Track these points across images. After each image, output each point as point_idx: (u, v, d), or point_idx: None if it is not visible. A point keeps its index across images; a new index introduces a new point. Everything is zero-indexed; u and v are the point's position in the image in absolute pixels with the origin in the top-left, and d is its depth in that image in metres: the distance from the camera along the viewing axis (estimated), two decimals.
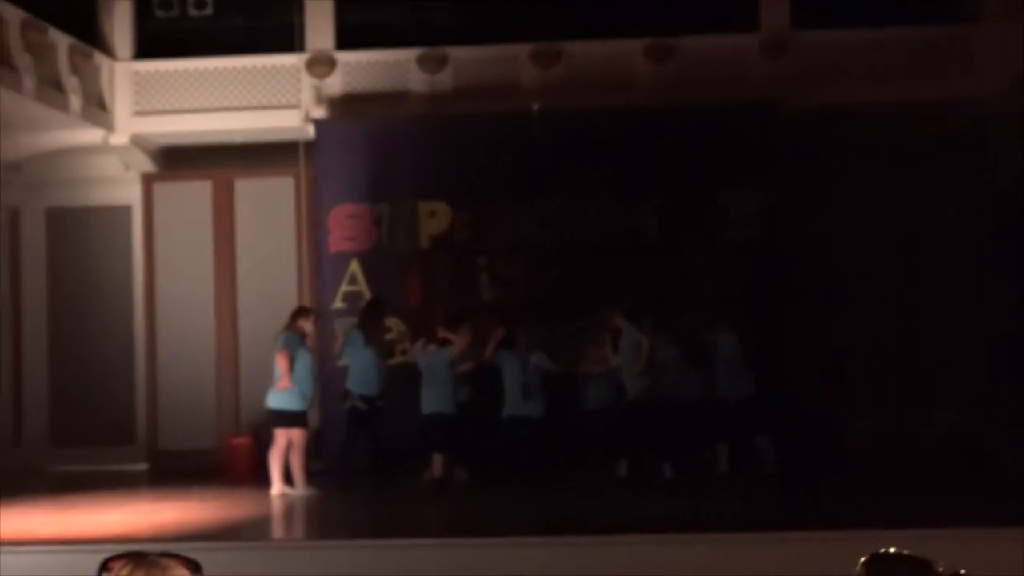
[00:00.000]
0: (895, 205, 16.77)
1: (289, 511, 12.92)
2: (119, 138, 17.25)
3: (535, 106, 16.35)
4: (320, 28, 17.14)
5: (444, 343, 14.57)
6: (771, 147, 16.13)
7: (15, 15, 14.79)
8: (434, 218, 16.42)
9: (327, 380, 15.64)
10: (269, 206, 17.46)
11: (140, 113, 17.30)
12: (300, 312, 14.22)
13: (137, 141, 17.45)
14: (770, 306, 15.87)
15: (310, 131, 16.69)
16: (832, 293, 16.52)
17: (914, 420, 16.28)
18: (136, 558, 2.89)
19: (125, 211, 18.10)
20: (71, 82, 16.05)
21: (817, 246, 16.52)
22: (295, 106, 17.03)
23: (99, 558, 2.93)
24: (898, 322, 16.67)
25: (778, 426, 14.86)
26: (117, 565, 2.88)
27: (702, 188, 16.12)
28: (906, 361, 16.61)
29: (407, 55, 17.05)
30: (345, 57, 17.09)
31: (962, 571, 2.22)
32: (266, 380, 14.25)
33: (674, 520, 11.95)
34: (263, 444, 14.81)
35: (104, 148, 17.35)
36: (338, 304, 16.26)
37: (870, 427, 15.95)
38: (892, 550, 2.27)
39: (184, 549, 3.09)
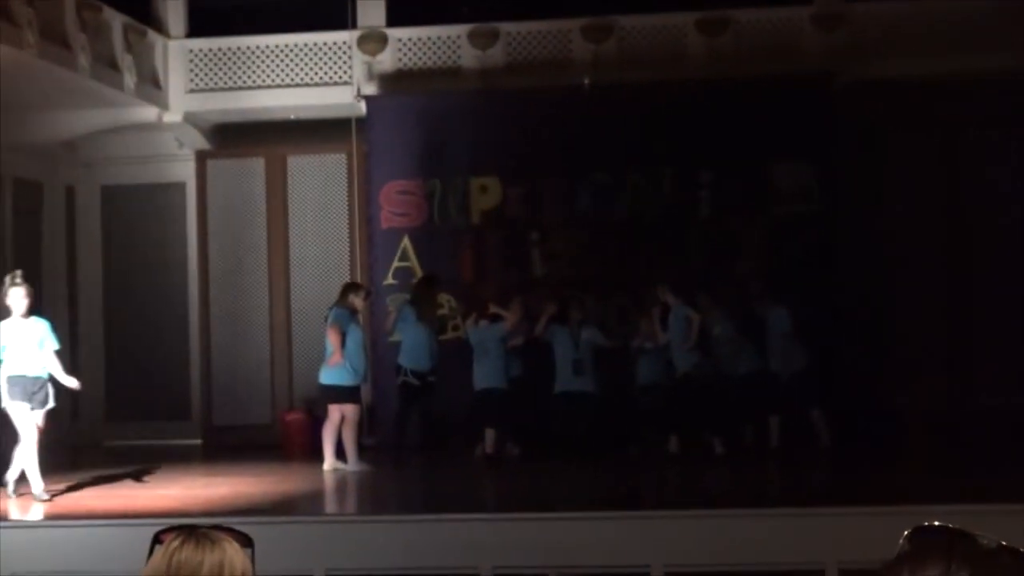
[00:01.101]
0: (949, 178, 16.65)
1: (341, 486, 13.00)
2: (173, 116, 17.37)
3: (586, 81, 16.31)
4: (371, 5, 17.17)
5: (496, 318, 14.60)
6: (824, 120, 16.04)
7: None
8: (485, 193, 16.44)
9: (379, 356, 15.73)
10: (321, 182, 17.55)
11: (193, 91, 17.41)
12: (350, 288, 14.26)
13: (190, 119, 17.56)
14: (823, 279, 15.80)
15: (362, 108, 16.73)
16: (885, 266, 16.44)
17: (967, 394, 16.19)
18: (188, 531, 2.92)
19: (179, 188, 18.25)
20: (125, 60, 16.16)
21: (870, 219, 16.45)
22: (347, 83, 17.07)
23: (153, 532, 2.96)
24: (951, 295, 16.56)
25: (832, 400, 14.82)
26: (168, 537, 2.91)
27: (755, 161, 16.05)
28: (958, 335, 16.49)
29: (458, 31, 17.05)
30: (396, 33, 17.10)
31: (1003, 542, 2.21)
32: (319, 356, 14.35)
33: (725, 495, 11.97)
34: (317, 419, 14.92)
35: (158, 126, 17.47)
36: (389, 280, 16.33)
37: (922, 401, 15.83)
38: (936, 523, 2.27)
39: (237, 523, 3.12)
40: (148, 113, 17.08)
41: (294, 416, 16.35)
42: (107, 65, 15.76)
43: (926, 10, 16.52)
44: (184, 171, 18.03)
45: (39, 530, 10.47)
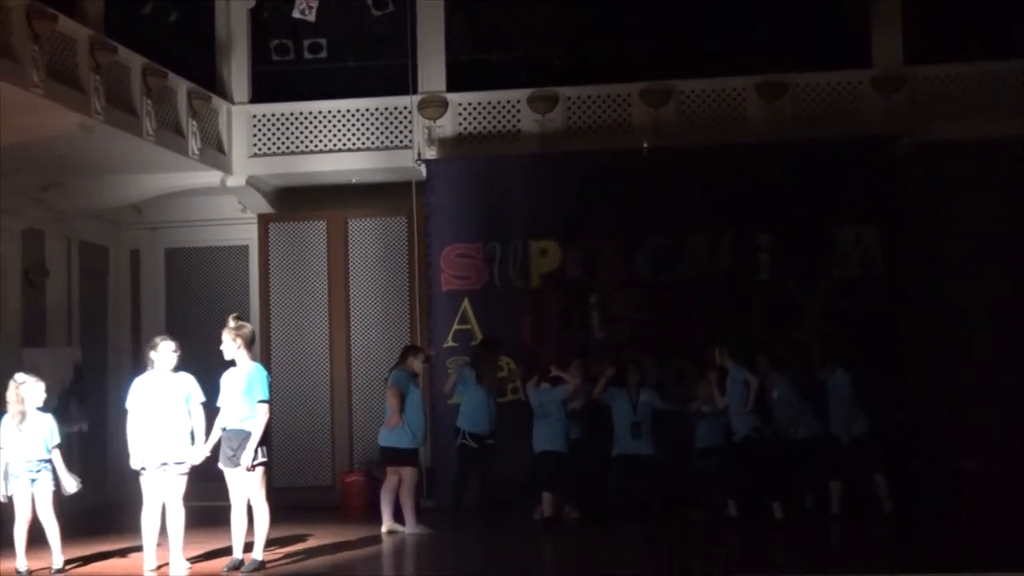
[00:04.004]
0: (1013, 240, 16.51)
1: (399, 549, 12.99)
2: (236, 180, 17.61)
3: (645, 145, 16.36)
4: (432, 70, 17.36)
5: (557, 381, 14.59)
6: (887, 183, 15.99)
7: (136, 60, 15.16)
8: (545, 256, 16.49)
9: (438, 418, 15.76)
10: (382, 245, 17.68)
11: (257, 155, 17.64)
12: (409, 350, 14.32)
13: (253, 182, 17.79)
14: (885, 342, 15.70)
15: (422, 171, 16.86)
16: (949, 329, 16.30)
17: None
18: None
19: (242, 251, 18.48)
20: (190, 125, 16.40)
21: (933, 282, 16.33)
22: (408, 147, 17.24)
23: None
24: (1016, 357, 16.35)
25: (894, 464, 14.68)
26: None
27: (816, 224, 16.00)
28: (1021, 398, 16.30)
29: (518, 95, 17.19)
30: (456, 98, 17.27)
31: None
32: (379, 417, 14.41)
33: (785, 560, 11.87)
34: (376, 481, 14.97)
35: (221, 189, 17.71)
36: (449, 343, 16.37)
37: (988, 465, 15.61)
38: None
39: None
40: (212, 177, 17.32)
41: (354, 478, 16.40)
42: (172, 130, 16.01)
43: (987, 72, 16.49)
44: (247, 234, 18.26)
45: None
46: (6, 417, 11.27)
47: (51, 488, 11.25)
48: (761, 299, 16.08)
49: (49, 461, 11.26)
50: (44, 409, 11.39)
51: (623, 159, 16.37)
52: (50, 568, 11.23)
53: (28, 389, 11.24)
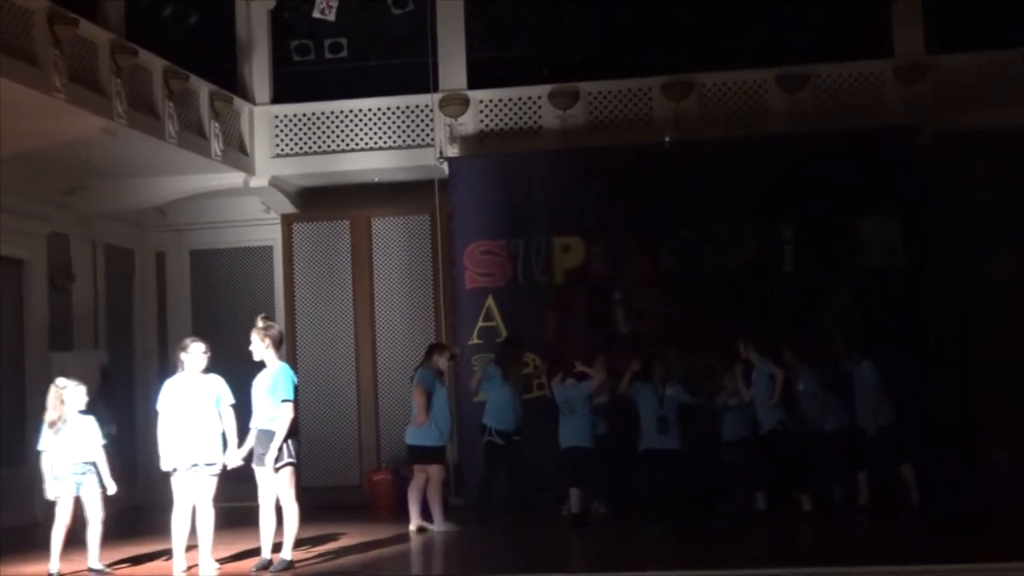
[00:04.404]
0: None
1: (427, 547, 13.00)
2: (259, 180, 17.66)
3: (667, 138, 16.35)
4: (452, 68, 17.38)
5: (582, 377, 14.59)
6: (910, 173, 15.95)
7: (158, 64, 15.23)
8: (568, 252, 16.49)
9: (464, 415, 15.77)
10: (406, 244, 17.73)
11: (279, 155, 17.70)
12: (435, 348, 14.34)
13: (276, 183, 17.84)
14: (910, 333, 15.64)
15: (444, 169, 16.88)
16: (974, 318, 16.23)
17: None
18: None
19: (266, 251, 18.56)
20: (212, 127, 16.46)
21: (958, 272, 16.25)
22: (429, 145, 17.27)
23: None
24: None
25: (922, 455, 14.65)
26: None
27: (839, 216, 15.97)
28: None
29: (539, 91, 17.20)
30: (478, 95, 17.29)
31: None
32: (405, 416, 14.42)
33: (815, 552, 11.85)
34: (404, 479, 14.99)
35: (245, 190, 17.77)
36: (474, 340, 16.39)
37: (1016, 454, 15.57)
38: None
39: None
40: (235, 178, 17.38)
41: (381, 476, 16.43)
42: (194, 132, 16.07)
43: (1009, 60, 16.44)
44: (271, 234, 18.33)
45: None
46: (46, 422, 11.32)
47: (98, 490, 11.28)
48: (785, 291, 16.05)
49: (94, 463, 11.30)
50: (84, 412, 11.44)
51: (645, 153, 16.37)
52: (87, 570, 11.28)
53: (70, 393, 11.30)
